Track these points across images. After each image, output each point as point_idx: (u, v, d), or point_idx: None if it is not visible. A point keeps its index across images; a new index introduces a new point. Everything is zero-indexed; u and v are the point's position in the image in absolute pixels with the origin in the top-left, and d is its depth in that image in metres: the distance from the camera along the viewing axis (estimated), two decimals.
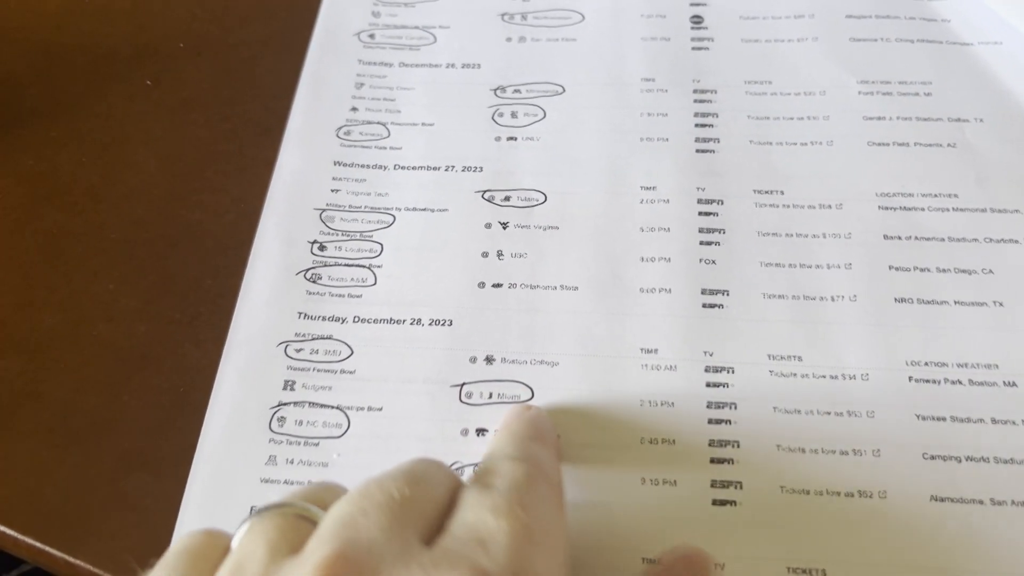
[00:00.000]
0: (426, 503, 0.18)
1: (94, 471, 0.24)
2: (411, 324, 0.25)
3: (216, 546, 0.17)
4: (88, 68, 0.32)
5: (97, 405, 0.25)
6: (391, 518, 0.16)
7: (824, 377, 0.24)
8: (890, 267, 0.26)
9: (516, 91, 0.31)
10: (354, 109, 0.31)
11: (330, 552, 0.15)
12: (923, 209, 0.27)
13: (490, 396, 0.24)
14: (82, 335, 0.26)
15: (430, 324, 0.25)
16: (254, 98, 0.31)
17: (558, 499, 0.19)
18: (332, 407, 0.24)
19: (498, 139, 0.29)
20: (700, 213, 0.27)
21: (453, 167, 0.29)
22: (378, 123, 0.30)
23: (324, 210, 0.28)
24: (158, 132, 0.31)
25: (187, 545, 0.17)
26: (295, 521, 0.17)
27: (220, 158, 0.30)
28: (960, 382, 0.24)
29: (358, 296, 0.26)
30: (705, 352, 0.24)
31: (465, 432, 0.23)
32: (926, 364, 0.24)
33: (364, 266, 0.27)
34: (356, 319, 0.26)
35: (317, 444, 0.23)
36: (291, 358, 0.25)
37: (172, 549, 0.17)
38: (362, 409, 0.24)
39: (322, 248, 0.27)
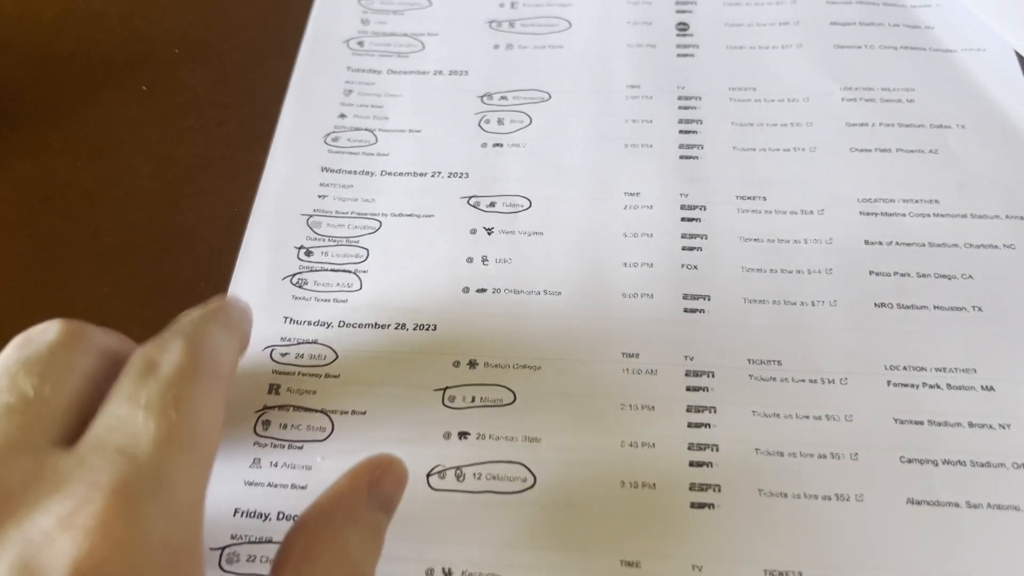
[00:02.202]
0: (63, 399, 0.16)
1: None
2: (396, 329, 0.26)
3: None
4: (83, 74, 0.33)
5: None
6: (21, 424, 0.15)
7: (803, 381, 0.24)
8: (870, 272, 0.26)
9: (503, 98, 0.31)
10: (342, 116, 0.31)
11: None
12: (904, 215, 0.27)
13: (473, 400, 0.24)
14: None
15: (414, 329, 0.26)
16: (248, 103, 0.32)
17: (220, 396, 0.18)
18: (316, 411, 0.24)
19: (484, 145, 0.30)
20: (683, 219, 0.28)
21: (439, 173, 0.29)
22: (366, 129, 0.30)
23: (311, 216, 0.28)
24: (152, 137, 0.31)
25: None
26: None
27: (214, 163, 0.30)
28: (938, 386, 0.24)
29: (344, 301, 0.26)
30: (686, 356, 0.25)
31: (448, 435, 0.24)
32: (904, 368, 0.24)
33: (350, 271, 0.27)
34: (341, 324, 0.26)
35: (301, 447, 0.24)
36: (276, 362, 0.25)
37: None
38: (346, 413, 0.24)
39: (308, 253, 0.27)
